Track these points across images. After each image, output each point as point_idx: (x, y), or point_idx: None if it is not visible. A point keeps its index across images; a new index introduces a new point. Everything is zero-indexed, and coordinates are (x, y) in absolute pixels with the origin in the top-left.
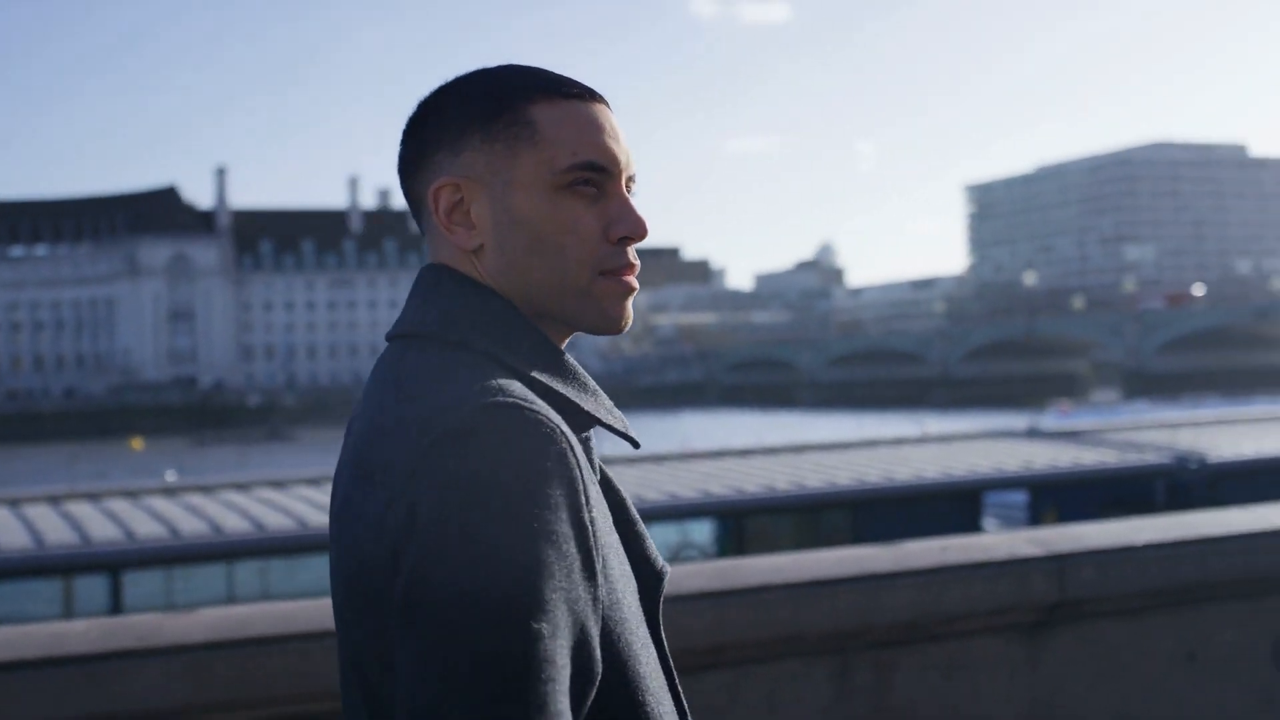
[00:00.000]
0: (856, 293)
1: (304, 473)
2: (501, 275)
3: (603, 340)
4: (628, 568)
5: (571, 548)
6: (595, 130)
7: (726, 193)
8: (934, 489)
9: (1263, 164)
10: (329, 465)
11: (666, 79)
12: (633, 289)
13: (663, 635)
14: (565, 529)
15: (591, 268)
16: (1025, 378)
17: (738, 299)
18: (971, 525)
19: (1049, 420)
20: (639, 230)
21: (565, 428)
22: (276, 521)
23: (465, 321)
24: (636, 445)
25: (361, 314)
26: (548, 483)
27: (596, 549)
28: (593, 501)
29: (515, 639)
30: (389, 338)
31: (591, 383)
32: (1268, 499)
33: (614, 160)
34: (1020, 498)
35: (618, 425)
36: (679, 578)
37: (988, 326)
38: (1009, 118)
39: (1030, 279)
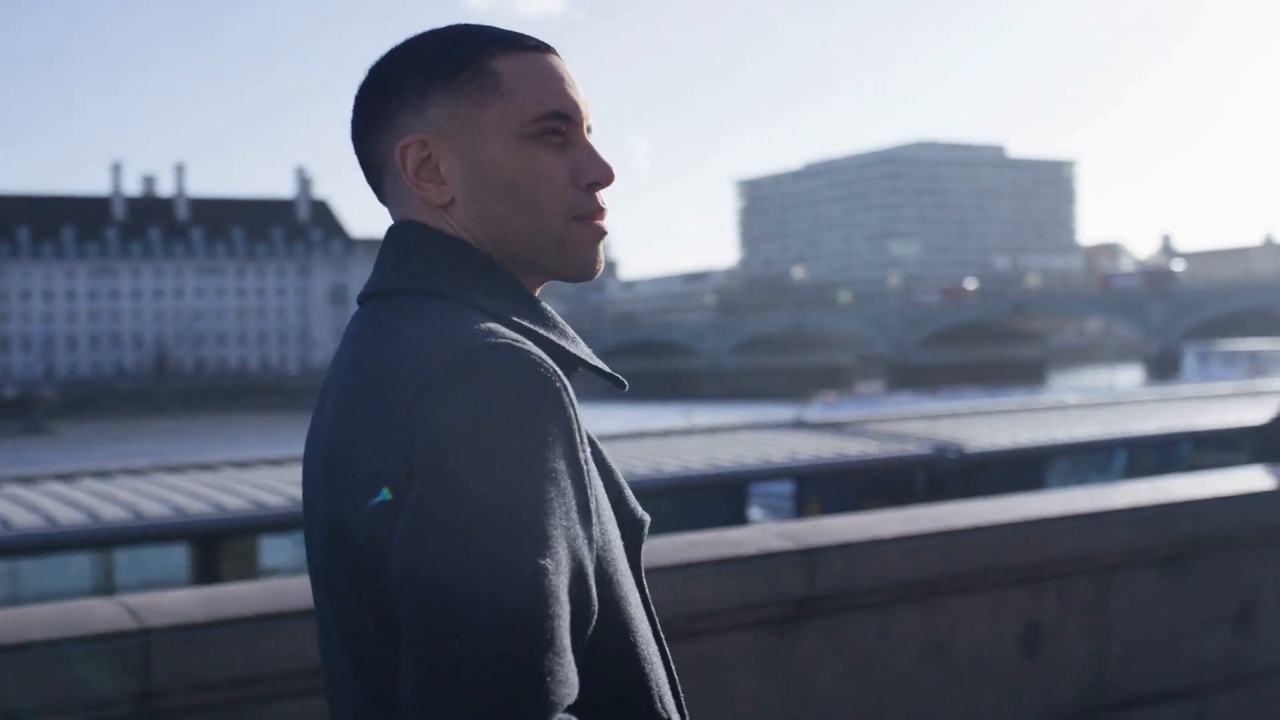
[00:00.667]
0: (630, 285)
1: (54, 469)
2: (475, 227)
3: None
4: (612, 514)
5: (569, 486)
6: (557, 80)
7: None
8: (700, 481)
9: (1019, 164)
10: (87, 461)
11: None
12: (604, 233)
13: (644, 581)
14: (563, 468)
15: (565, 214)
16: (794, 370)
17: None
18: (738, 517)
19: (814, 412)
20: (607, 175)
21: (557, 369)
22: (24, 520)
23: (443, 272)
24: (624, 386)
25: (125, 304)
26: (546, 422)
27: (591, 489)
28: (585, 442)
29: (523, 575)
30: (362, 298)
31: (570, 329)
32: (1020, 487)
33: (577, 108)
34: (786, 488)
35: (602, 367)
36: None
37: (757, 320)
38: (780, 115)
39: (799, 273)
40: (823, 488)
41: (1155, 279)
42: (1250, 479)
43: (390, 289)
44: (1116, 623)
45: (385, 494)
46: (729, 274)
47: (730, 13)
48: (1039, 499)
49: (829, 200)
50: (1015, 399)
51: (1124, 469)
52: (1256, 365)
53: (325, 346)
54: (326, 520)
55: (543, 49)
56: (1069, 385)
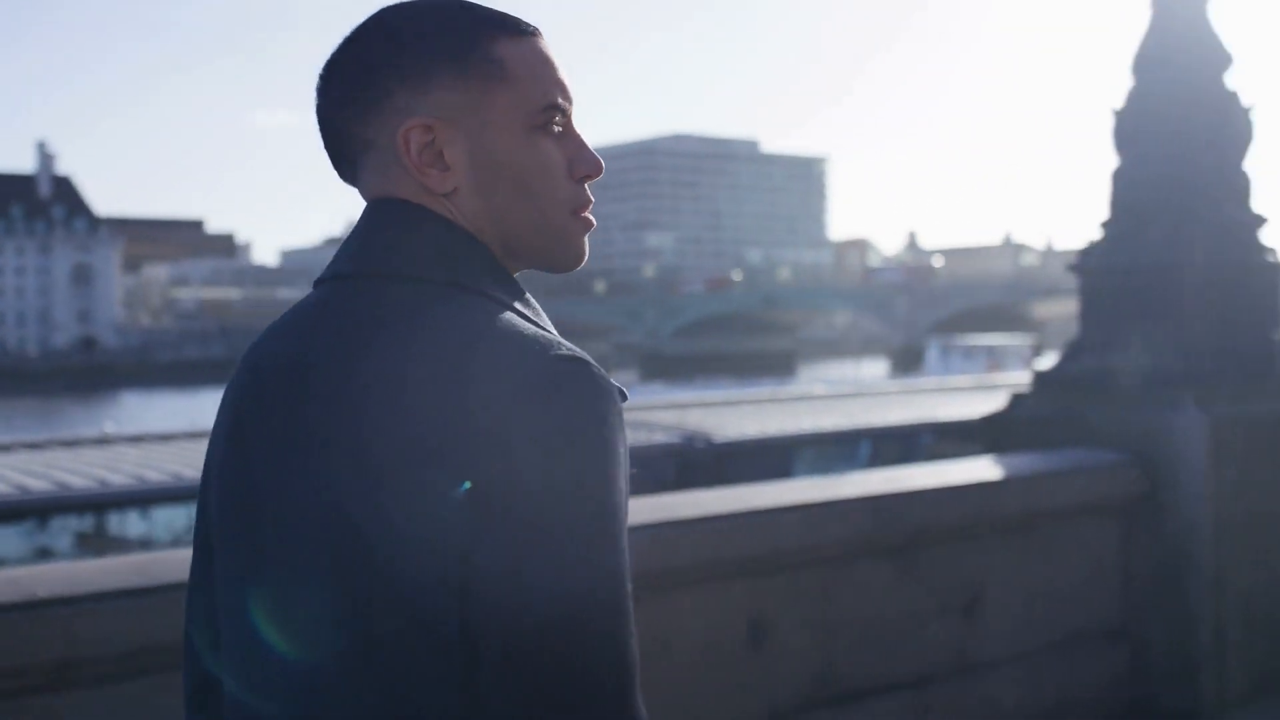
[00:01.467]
0: None
1: None
2: (479, 217)
3: (119, 312)
4: None
5: (627, 503)
6: (554, 68)
7: (253, 166)
8: None
9: (772, 159)
10: None
11: (186, 47)
12: (593, 225)
13: None
14: (626, 484)
15: (566, 207)
16: None
17: (263, 275)
18: None
19: None
20: (598, 168)
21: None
22: None
23: (460, 263)
24: (623, 397)
25: None
26: (618, 438)
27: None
28: None
29: (617, 579)
30: (349, 275)
31: None
32: (768, 475)
33: (571, 99)
34: None
35: None
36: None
37: None
38: None
39: None
40: None
41: (915, 273)
42: (978, 470)
43: (391, 273)
44: (843, 615)
45: (466, 485)
46: None
47: None
48: (766, 489)
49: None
50: (765, 390)
51: (869, 459)
52: (994, 359)
53: (67, 328)
54: (346, 512)
55: (536, 33)
56: (818, 377)
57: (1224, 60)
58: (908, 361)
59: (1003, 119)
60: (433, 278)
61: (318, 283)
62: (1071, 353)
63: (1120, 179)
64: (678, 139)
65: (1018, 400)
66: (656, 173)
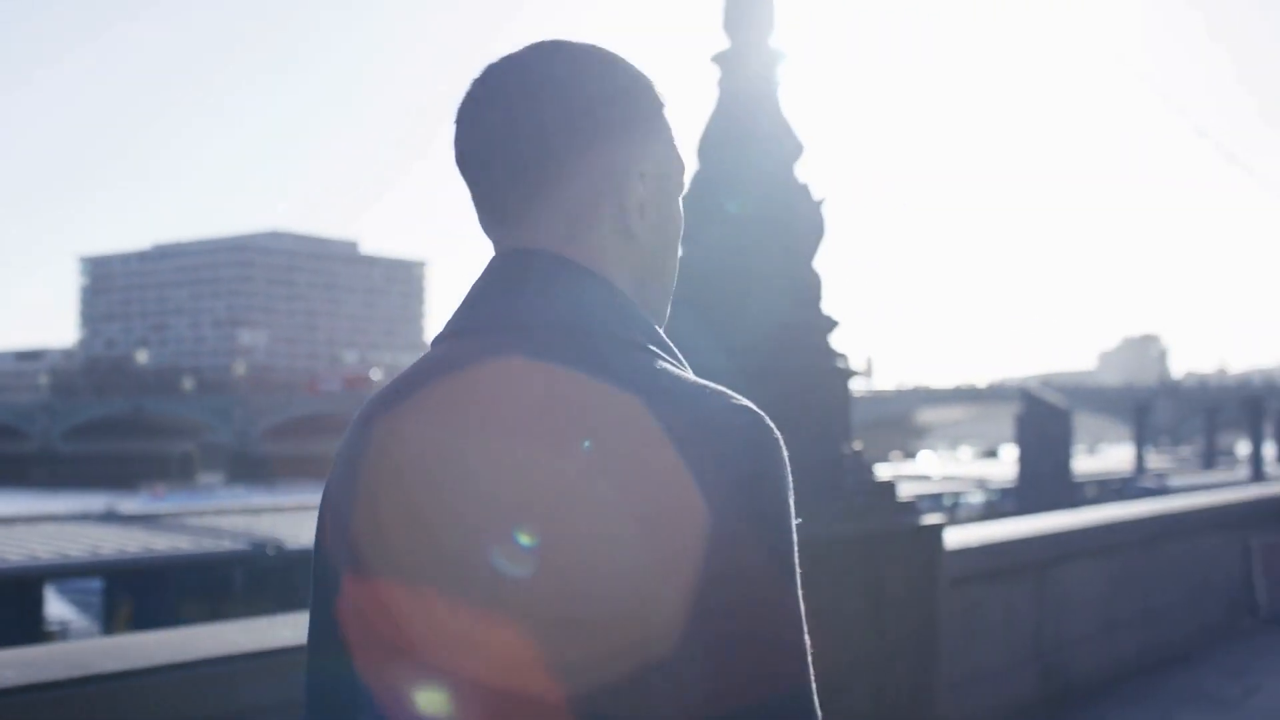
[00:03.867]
0: None
1: None
2: (645, 273)
3: None
4: None
5: None
6: None
7: None
8: None
9: (372, 261)
10: None
11: None
12: None
13: None
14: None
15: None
16: (135, 457)
17: None
18: (33, 618)
19: (138, 503)
20: None
21: None
22: None
23: (631, 319)
24: None
25: None
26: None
27: None
28: None
29: (802, 627)
30: (517, 327)
31: None
32: None
33: None
34: (96, 585)
35: None
36: None
37: (96, 403)
38: (128, 191)
39: (143, 357)
40: (135, 585)
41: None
42: None
43: (577, 327)
44: None
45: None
46: (66, 354)
47: (80, 87)
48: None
49: (177, 284)
50: None
51: None
52: None
53: None
54: (553, 598)
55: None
56: None
57: (795, 149)
58: None
59: None
60: (614, 334)
61: (452, 336)
62: None
63: (681, 271)
64: (275, 235)
65: None
66: (252, 269)
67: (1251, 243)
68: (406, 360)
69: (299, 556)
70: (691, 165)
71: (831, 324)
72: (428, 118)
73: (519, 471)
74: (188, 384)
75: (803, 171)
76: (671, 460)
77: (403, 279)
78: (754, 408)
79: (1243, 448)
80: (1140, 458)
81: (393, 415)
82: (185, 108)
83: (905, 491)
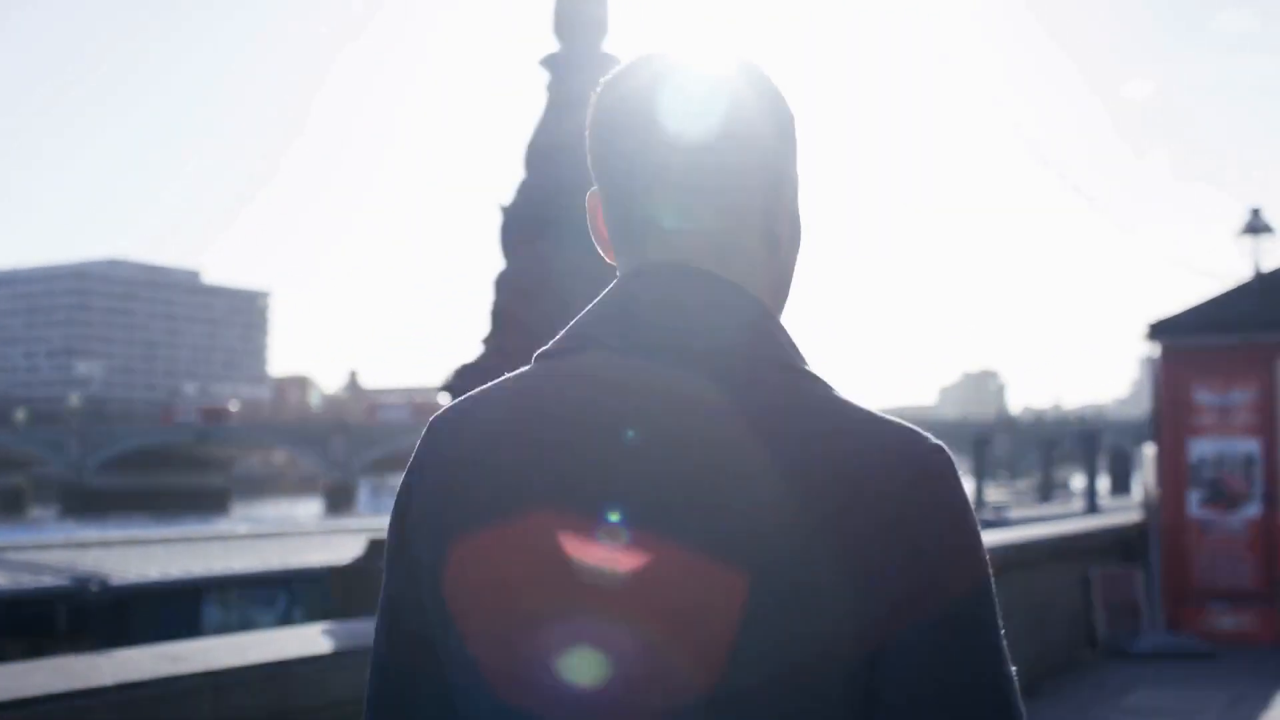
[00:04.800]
0: None
1: None
2: (774, 285)
3: None
4: None
5: None
6: None
7: None
8: None
9: (214, 291)
10: None
11: None
12: None
13: None
14: None
15: None
16: None
17: None
18: None
19: None
20: None
21: None
22: None
23: (788, 343)
24: None
25: None
26: None
27: None
28: None
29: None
30: (693, 351)
31: None
32: (174, 622)
33: None
34: None
35: None
36: None
37: None
38: None
39: None
40: None
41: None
42: (311, 640)
43: (764, 357)
44: None
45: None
46: None
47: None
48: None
49: (12, 312)
50: (181, 528)
51: (288, 603)
52: None
53: None
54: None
55: None
56: (250, 515)
57: None
58: (341, 499)
59: (427, 258)
60: (791, 364)
61: (604, 349)
62: None
63: (504, 285)
64: (113, 264)
65: (377, 548)
66: (89, 298)
67: (1088, 281)
68: (247, 392)
69: (128, 593)
70: (517, 174)
71: None
72: (272, 147)
73: (727, 502)
74: (20, 415)
75: None
76: (879, 490)
77: (245, 310)
78: (931, 436)
79: (1078, 481)
80: (979, 490)
81: (573, 432)
82: (23, 133)
83: None
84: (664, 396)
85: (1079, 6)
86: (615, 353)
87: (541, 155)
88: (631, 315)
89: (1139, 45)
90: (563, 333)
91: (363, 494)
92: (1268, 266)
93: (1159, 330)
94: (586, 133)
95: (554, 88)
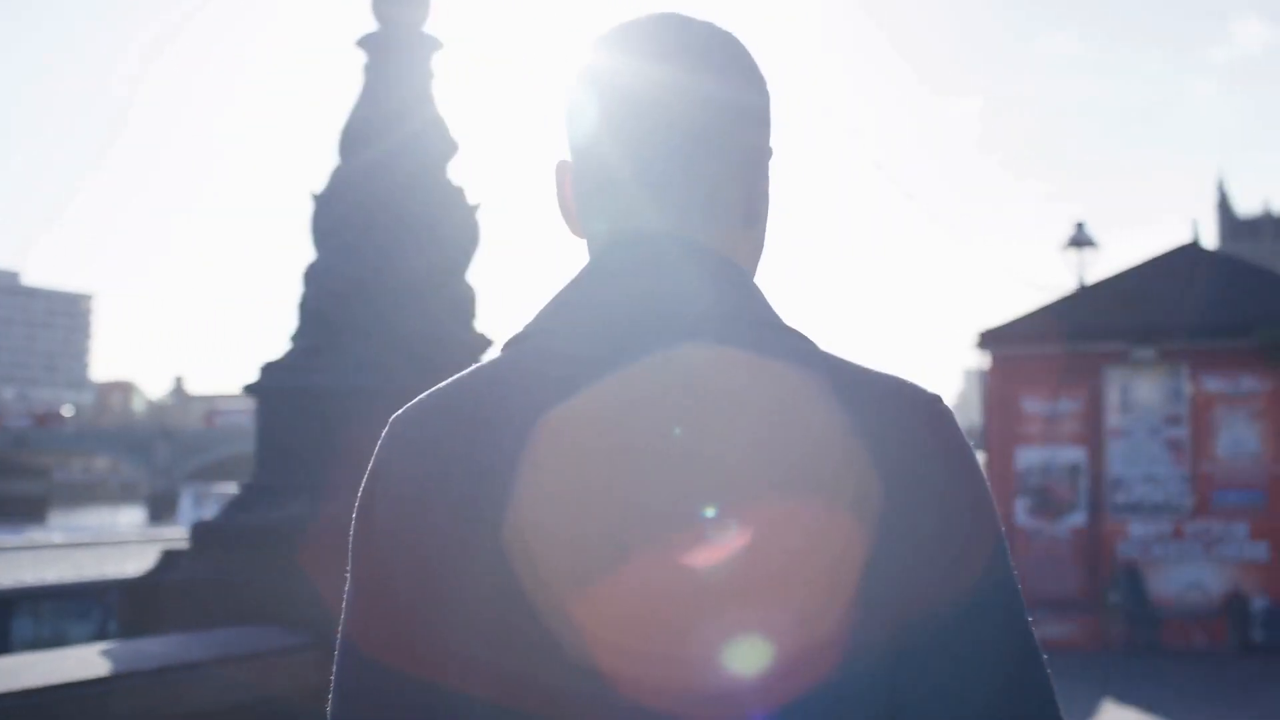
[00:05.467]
0: None
1: None
2: (747, 260)
3: None
4: None
5: None
6: None
7: None
8: None
9: (34, 293)
10: None
11: None
12: None
13: None
14: None
15: None
16: None
17: None
18: None
19: None
20: None
21: None
22: None
23: (770, 304)
24: None
25: None
26: None
27: None
28: None
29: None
30: (699, 323)
31: None
32: None
33: None
34: None
35: None
36: None
37: None
38: None
39: None
40: None
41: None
42: (88, 661)
43: (762, 320)
44: None
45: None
46: None
47: None
48: None
49: None
50: None
51: (103, 616)
52: None
53: None
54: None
55: None
56: (68, 523)
57: (448, 148)
58: (164, 508)
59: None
60: (778, 324)
61: (598, 323)
62: (242, 499)
63: (314, 279)
64: None
65: (170, 560)
66: None
67: (923, 290)
68: (70, 397)
69: None
70: (330, 160)
71: (486, 343)
72: (95, 146)
73: (754, 455)
74: None
75: (457, 173)
76: (900, 439)
77: (67, 312)
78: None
79: None
80: None
81: (590, 405)
82: None
83: None
84: (662, 373)
85: (916, 21)
86: (599, 329)
87: (357, 140)
88: (617, 286)
89: (969, 62)
90: (537, 314)
91: (185, 502)
92: (1091, 278)
93: (988, 339)
94: (565, 101)
95: (372, 69)
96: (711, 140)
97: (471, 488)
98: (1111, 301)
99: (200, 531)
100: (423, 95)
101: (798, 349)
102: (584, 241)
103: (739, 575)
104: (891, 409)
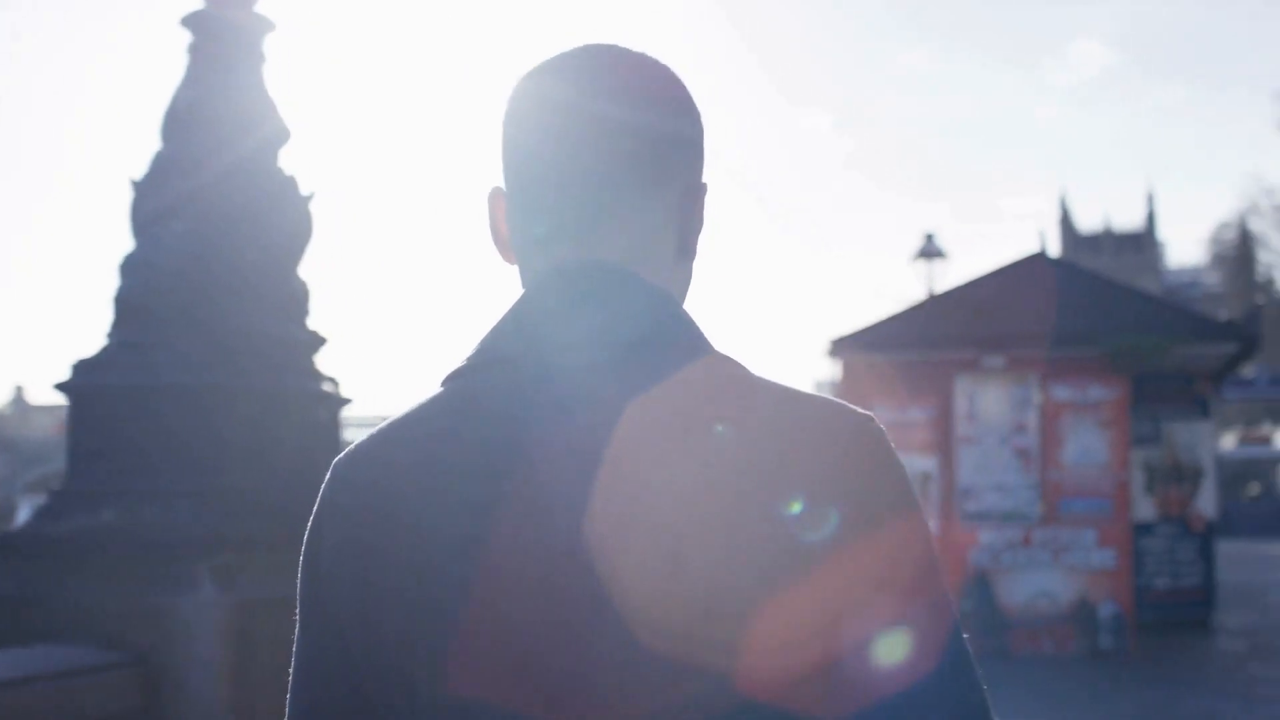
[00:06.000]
0: None
1: None
2: (679, 292)
3: None
4: None
5: None
6: None
7: None
8: None
9: None
10: None
11: None
12: None
13: None
14: None
15: None
16: None
17: None
18: None
19: None
20: None
21: None
22: None
23: (703, 334)
24: None
25: None
26: None
27: None
28: None
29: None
30: (619, 345)
31: None
32: None
33: None
34: None
35: None
36: None
37: None
38: None
39: None
40: None
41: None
42: None
43: (699, 349)
44: None
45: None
46: None
47: None
48: None
49: None
50: None
51: None
52: None
53: None
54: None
55: None
56: None
57: (280, 134)
58: (2, 520)
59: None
60: (702, 347)
61: (534, 351)
62: (52, 507)
63: (132, 271)
64: None
65: None
66: None
67: (778, 300)
68: None
69: None
70: (153, 144)
71: (320, 341)
72: None
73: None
74: None
75: (290, 161)
76: (821, 458)
77: None
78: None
79: None
80: None
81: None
82: None
83: None
84: (593, 406)
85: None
86: (537, 364)
87: (180, 124)
88: (554, 320)
89: (824, 75)
90: (475, 347)
91: (22, 513)
92: (941, 289)
93: (839, 347)
94: (500, 128)
95: (197, 50)
96: (647, 172)
97: (425, 528)
98: (962, 310)
99: (2, 541)
100: (253, 79)
101: (734, 375)
102: (515, 270)
103: (692, 600)
104: (825, 431)
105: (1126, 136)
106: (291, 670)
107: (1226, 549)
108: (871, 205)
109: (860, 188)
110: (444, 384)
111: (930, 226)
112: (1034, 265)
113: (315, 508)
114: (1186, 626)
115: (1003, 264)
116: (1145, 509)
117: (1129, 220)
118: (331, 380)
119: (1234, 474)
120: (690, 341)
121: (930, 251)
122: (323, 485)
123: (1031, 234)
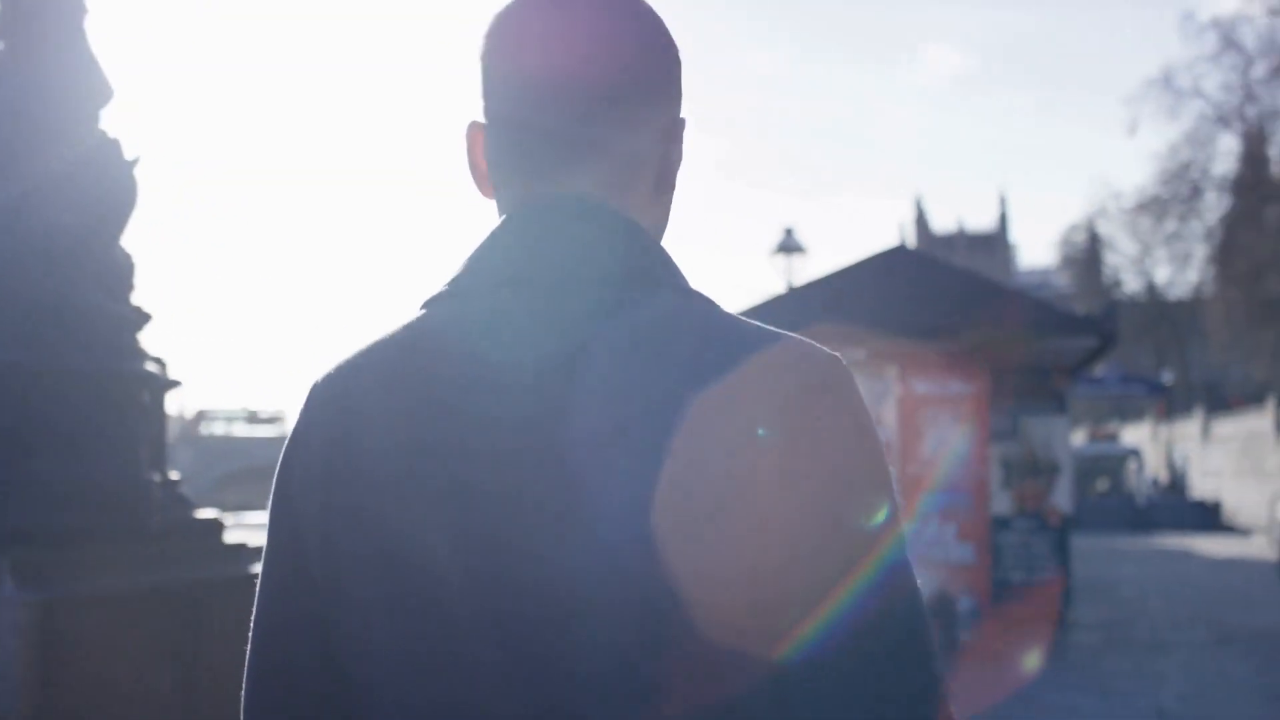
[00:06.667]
0: None
1: None
2: (655, 230)
3: None
4: None
5: None
6: None
7: None
8: None
9: None
10: None
11: None
12: None
13: None
14: None
15: None
16: None
17: None
18: None
19: None
20: None
21: None
22: None
23: (676, 267)
24: None
25: None
26: None
27: None
28: None
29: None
30: (594, 280)
31: None
32: None
33: None
34: None
35: None
36: None
37: None
38: None
39: None
40: None
41: None
42: None
43: (672, 285)
44: None
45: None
46: None
47: None
48: None
49: None
50: None
51: None
52: None
53: None
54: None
55: None
56: None
57: (102, 93)
58: None
59: None
60: (676, 285)
61: (515, 283)
62: None
63: None
64: None
65: None
66: None
67: None
68: None
69: None
70: None
71: (144, 318)
72: None
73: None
74: None
75: (114, 124)
76: (784, 394)
77: None
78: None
79: None
80: None
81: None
82: None
83: (240, 536)
84: (561, 338)
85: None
86: (513, 290)
87: None
88: (528, 249)
89: (683, 72)
90: (455, 272)
91: None
92: (799, 281)
93: None
94: (479, 61)
95: (9, 2)
96: (626, 106)
97: (412, 446)
98: (821, 302)
99: None
100: (71, 30)
101: (705, 311)
102: (494, 203)
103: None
104: (792, 366)
105: (980, 140)
106: (257, 590)
107: (1078, 543)
108: (730, 204)
109: (720, 186)
110: (423, 307)
111: (791, 224)
112: (894, 258)
113: (290, 431)
114: (1042, 620)
115: (863, 257)
116: (1002, 503)
117: (982, 222)
118: (157, 360)
119: (1084, 470)
120: (661, 276)
121: (790, 246)
122: (299, 410)
123: (890, 234)
